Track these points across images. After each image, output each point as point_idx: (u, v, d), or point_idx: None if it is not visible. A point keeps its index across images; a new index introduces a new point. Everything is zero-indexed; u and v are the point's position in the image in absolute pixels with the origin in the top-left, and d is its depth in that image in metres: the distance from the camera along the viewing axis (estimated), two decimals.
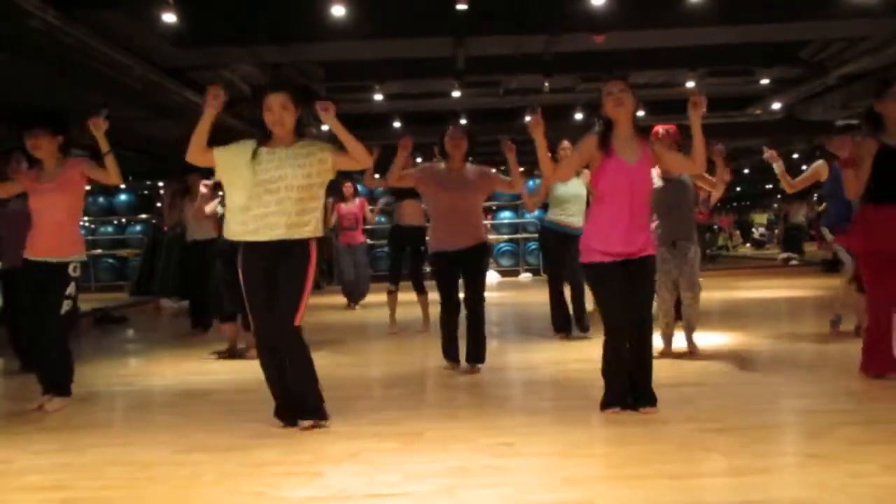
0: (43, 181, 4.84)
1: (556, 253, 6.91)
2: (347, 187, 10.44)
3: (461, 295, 5.51)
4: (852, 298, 6.15)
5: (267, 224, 3.93)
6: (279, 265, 3.98)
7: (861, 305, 6.02)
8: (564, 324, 6.86)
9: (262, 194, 3.93)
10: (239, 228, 4.00)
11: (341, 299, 10.98)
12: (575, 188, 6.70)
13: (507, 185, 5.55)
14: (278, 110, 3.98)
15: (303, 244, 3.99)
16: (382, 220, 16.35)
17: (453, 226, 5.40)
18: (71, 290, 4.77)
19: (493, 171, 5.66)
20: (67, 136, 4.94)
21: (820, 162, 6.35)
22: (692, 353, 5.75)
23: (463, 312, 5.48)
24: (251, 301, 4.03)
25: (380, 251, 16.16)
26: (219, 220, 6.16)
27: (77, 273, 4.83)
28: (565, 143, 6.58)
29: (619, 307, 4.15)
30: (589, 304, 5.86)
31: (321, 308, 10.65)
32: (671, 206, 5.51)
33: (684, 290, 5.64)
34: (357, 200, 10.35)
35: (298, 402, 4.03)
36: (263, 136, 4.04)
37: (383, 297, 8.11)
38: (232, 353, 6.49)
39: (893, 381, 4.45)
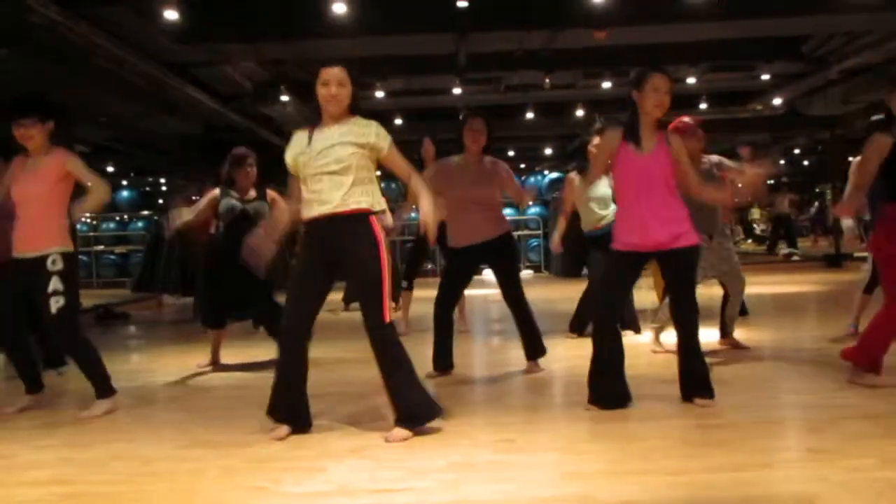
0: (26, 171, 4.50)
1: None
2: None
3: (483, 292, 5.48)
4: (857, 298, 6.12)
5: (320, 200, 3.78)
6: (339, 245, 3.81)
7: (863, 305, 6.04)
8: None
9: (317, 173, 3.78)
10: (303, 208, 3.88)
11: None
12: (602, 189, 6.39)
13: (516, 193, 5.47)
14: (335, 86, 3.82)
15: (361, 218, 3.80)
16: None
17: (477, 218, 5.19)
18: (55, 285, 4.38)
19: (508, 170, 5.43)
20: (58, 123, 4.59)
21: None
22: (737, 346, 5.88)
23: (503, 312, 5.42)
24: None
25: None
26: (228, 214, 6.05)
27: (58, 266, 4.40)
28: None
29: (615, 301, 4.17)
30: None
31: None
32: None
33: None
34: None
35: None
36: (317, 119, 3.92)
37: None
38: (215, 363, 6.12)
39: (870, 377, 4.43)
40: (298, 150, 3.87)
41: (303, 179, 3.85)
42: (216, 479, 3.30)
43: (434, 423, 3.91)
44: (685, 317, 4.17)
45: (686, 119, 5.46)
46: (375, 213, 3.85)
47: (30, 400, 4.78)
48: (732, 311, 5.86)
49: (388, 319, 3.83)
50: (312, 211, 3.81)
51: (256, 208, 5.87)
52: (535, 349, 5.38)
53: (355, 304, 4.75)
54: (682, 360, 4.21)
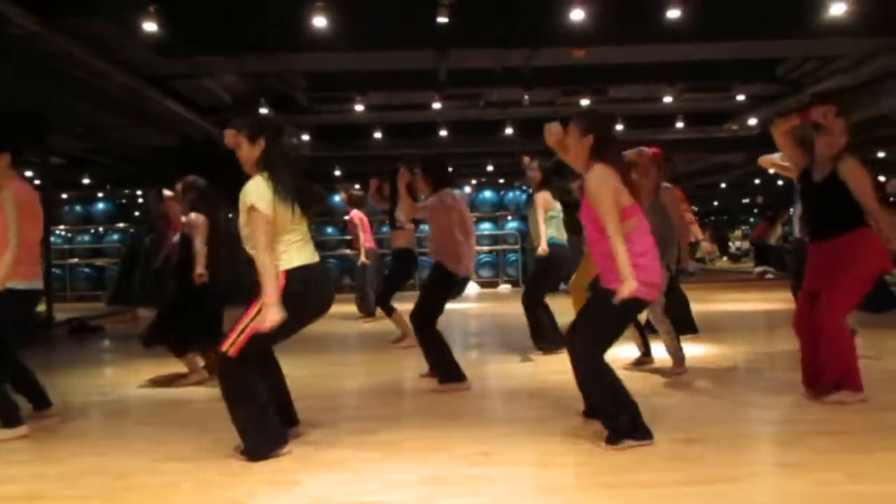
0: None
1: None
2: (348, 196, 10.44)
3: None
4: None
5: None
6: None
7: None
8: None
9: None
10: None
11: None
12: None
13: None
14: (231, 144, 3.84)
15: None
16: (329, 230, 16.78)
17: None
18: None
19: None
20: (13, 156, 4.52)
21: None
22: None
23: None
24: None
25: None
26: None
27: None
28: (533, 164, 6.85)
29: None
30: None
31: None
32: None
33: None
34: (352, 211, 10.22)
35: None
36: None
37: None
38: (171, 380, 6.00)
39: (863, 394, 4.51)
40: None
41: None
42: (191, 492, 3.30)
43: (411, 437, 3.92)
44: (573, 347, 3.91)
45: (643, 149, 5.59)
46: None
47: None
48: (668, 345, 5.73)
49: (224, 348, 3.75)
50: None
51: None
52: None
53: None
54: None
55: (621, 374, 4.67)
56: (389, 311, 7.63)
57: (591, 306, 3.97)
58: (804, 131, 4.64)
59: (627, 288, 3.61)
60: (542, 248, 6.67)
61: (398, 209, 7.47)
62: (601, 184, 3.75)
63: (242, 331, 3.71)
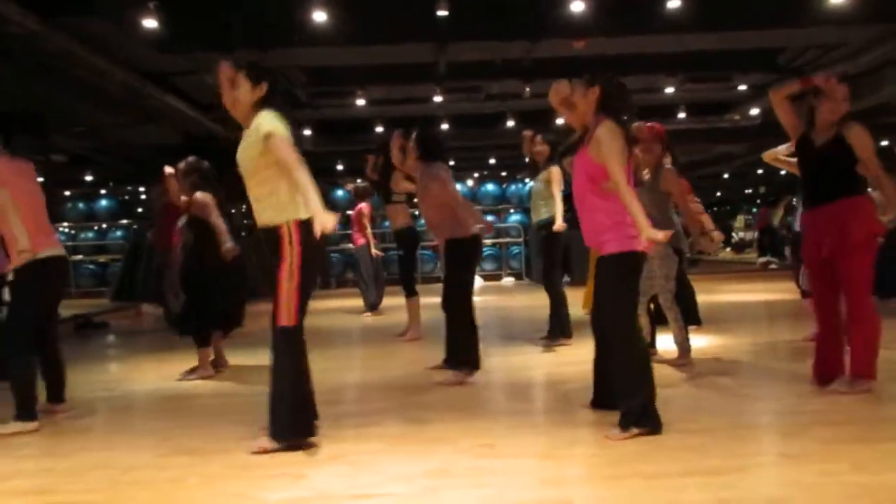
0: None
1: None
2: (354, 189, 10.44)
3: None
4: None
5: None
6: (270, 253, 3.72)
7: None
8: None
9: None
10: None
11: (324, 304, 11.00)
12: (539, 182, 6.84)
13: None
14: (226, 87, 3.70)
15: (273, 231, 3.67)
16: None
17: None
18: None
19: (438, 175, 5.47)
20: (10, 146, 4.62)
21: None
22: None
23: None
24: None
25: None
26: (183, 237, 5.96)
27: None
28: (538, 138, 6.81)
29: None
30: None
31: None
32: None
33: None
34: (360, 204, 10.26)
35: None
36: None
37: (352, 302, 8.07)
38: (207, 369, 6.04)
39: (866, 384, 4.51)
40: None
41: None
42: (196, 486, 3.31)
43: (414, 430, 3.93)
44: (601, 329, 3.97)
45: (644, 123, 5.50)
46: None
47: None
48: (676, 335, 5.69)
49: (281, 322, 3.68)
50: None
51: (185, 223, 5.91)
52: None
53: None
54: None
55: None
56: (413, 294, 7.64)
57: (601, 281, 3.96)
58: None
59: (648, 234, 3.64)
60: (559, 225, 6.52)
61: (392, 180, 7.54)
62: (615, 137, 3.75)
63: (288, 298, 3.64)
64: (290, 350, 3.69)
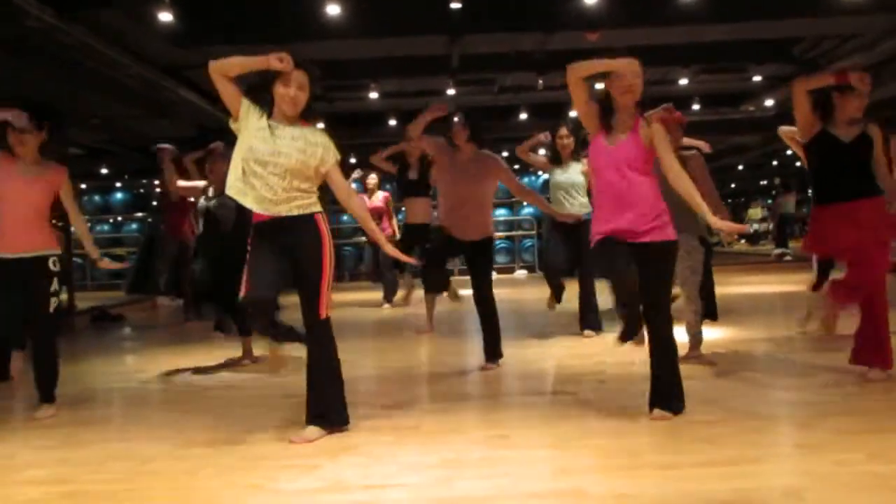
0: (19, 174, 4.54)
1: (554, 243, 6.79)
2: (371, 180, 10.36)
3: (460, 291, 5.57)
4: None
5: (257, 198, 3.77)
6: (292, 242, 3.79)
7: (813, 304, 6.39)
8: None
9: (252, 162, 3.77)
10: (236, 185, 3.82)
11: (338, 297, 11.01)
12: (573, 175, 6.70)
13: (515, 186, 5.73)
14: (295, 89, 3.85)
15: (307, 219, 3.81)
16: (345, 218, 16.52)
17: (460, 217, 5.43)
18: (55, 286, 4.57)
19: (502, 163, 5.68)
20: (51, 134, 4.67)
21: None
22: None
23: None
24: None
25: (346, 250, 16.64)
26: (201, 213, 6.03)
27: (57, 268, 4.61)
28: (564, 131, 6.69)
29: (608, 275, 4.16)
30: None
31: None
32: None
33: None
34: (381, 195, 10.26)
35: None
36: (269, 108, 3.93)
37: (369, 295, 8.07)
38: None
39: (881, 374, 4.51)
40: (254, 122, 3.89)
41: (239, 152, 3.83)
42: (212, 477, 3.34)
43: (428, 421, 3.95)
44: (651, 322, 3.95)
45: (669, 105, 5.46)
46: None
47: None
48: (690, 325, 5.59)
49: (323, 315, 3.81)
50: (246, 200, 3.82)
51: (217, 205, 5.85)
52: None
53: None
54: (651, 365, 4.06)
55: (634, 353, 4.68)
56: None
57: (650, 269, 3.84)
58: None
59: (715, 218, 3.78)
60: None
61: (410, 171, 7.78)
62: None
63: (328, 289, 3.82)
64: (332, 338, 3.90)
